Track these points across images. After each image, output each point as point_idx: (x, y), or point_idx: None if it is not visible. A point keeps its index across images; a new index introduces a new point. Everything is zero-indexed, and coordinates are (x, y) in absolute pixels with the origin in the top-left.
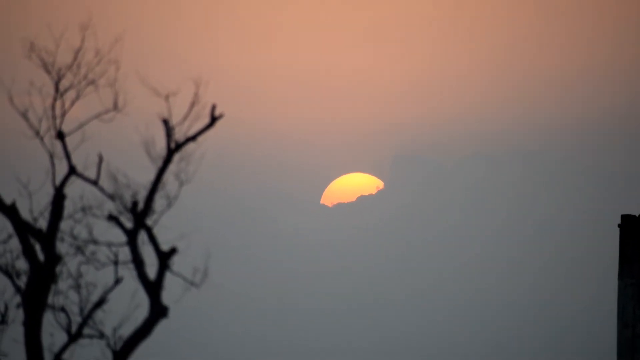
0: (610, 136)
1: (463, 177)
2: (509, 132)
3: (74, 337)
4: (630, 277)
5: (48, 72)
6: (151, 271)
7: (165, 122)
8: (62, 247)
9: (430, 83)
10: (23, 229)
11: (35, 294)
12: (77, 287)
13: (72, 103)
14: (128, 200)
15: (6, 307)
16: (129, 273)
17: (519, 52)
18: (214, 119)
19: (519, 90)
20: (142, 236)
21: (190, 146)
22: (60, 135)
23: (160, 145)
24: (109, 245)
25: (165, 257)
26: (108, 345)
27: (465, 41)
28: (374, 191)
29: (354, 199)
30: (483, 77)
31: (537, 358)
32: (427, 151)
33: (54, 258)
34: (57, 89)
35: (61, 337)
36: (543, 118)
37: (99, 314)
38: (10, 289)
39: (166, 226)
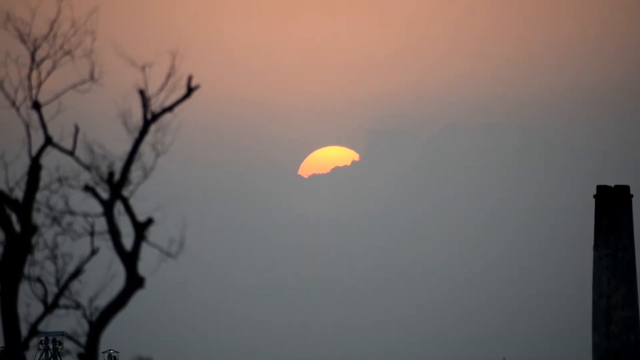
0: (587, 109)
1: (436, 149)
2: (483, 105)
3: (50, 308)
4: (605, 248)
5: (24, 42)
6: (127, 242)
7: (142, 93)
8: (38, 218)
9: (404, 57)
10: None
11: (11, 265)
12: (53, 257)
13: (48, 73)
14: (104, 171)
15: None
16: (105, 244)
17: (494, 24)
18: (190, 90)
19: (494, 63)
20: (119, 207)
21: (167, 117)
22: (36, 106)
23: (137, 116)
24: (85, 215)
25: (141, 228)
26: (84, 315)
27: (438, 15)
28: (348, 163)
29: (328, 170)
30: (456, 51)
31: (512, 328)
32: (401, 124)
33: (30, 228)
34: (33, 60)
35: (37, 308)
36: (518, 91)
37: (75, 285)
38: None
39: (142, 197)
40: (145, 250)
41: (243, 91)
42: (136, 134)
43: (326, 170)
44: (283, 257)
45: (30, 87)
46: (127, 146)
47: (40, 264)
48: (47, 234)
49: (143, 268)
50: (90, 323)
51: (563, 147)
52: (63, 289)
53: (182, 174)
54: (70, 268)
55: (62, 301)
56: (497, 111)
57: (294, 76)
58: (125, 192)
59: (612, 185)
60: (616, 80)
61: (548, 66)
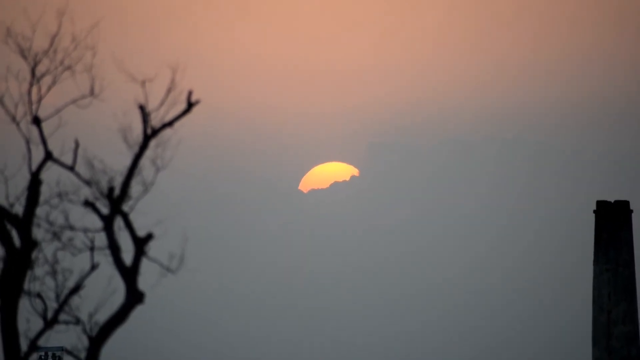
0: (586, 123)
1: (438, 162)
2: (484, 116)
3: (50, 323)
4: (605, 263)
5: (24, 57)
6: (127, 257)
7: (142, 108)
8: (38, 233)
9: (405, 68)
10: None
11: (11, 280)
12: (53, 273)
13: (49, 88)
14: (104, 186)
15: None
16: (105, 259)
17: (494, 37)
18: (190, 105)
19: (496, 75)
20: (119, 222)
21: (167, 132)
22: (37, 121)
23: (137, 131)
24: (85, 231)
25: (141, 243)
26: (84, 331)
27: (442, 25)
28: (347, 178)
29: (327, 186)
30: (460, 62)
31: (510, 342)
32: (403, 137)
33: (30, 244)
34: (33, 75)
35: (37, 323)
36: (521, 104)
37: (75, 300)
38: None
39: (142, 212)
40: (145, 265)
41: (243, 107)
42: (136, 149)
43: (325, 185)
44: (284, 273)
45: (30, 102)
46: (127, 161)
47: (40, 280)
48: (47, 249)
49: (143, 283)
50: (90, 338)
51: (563, 161)
52: (63, 304)
53: (182, 189)
54: (70, 283)
55: (62, 316)
56: (500, 124)
57: (294, 92)
58: (125, 207)
59: (612, 201)
60: (618, 92)
61: (549, 79)
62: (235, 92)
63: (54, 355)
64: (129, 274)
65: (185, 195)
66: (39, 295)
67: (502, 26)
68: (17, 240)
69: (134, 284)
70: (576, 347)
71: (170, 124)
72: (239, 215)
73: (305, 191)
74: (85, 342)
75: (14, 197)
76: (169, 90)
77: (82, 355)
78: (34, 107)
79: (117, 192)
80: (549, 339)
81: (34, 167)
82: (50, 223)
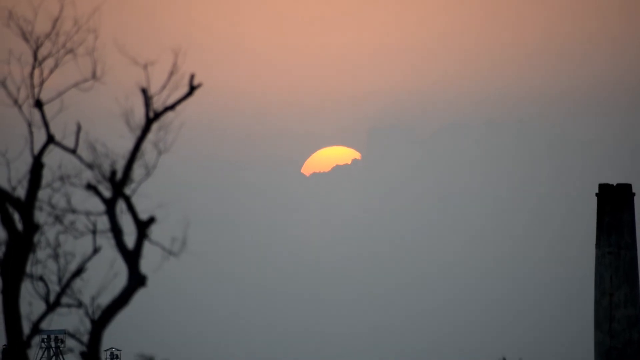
0: (588, 107)
1: (438, 147)
2: (485, 102)
3: (52, 306)
4: (607, 246)
5: (26, 40)
6: (130, 240)
7: (144, 91)
8: (40, 216)
9: (405, 53)
10: (1, 197)
11: (14, 263)
12: (56, 256)
13: (51, 72)
14: (106, 169)
15: None
16: (107, 242)
17: (495, 22)
18: (192, 88)
19: (495, 61)
20: (121, 205)
21: (169, 115)
22: (39, 104)
23: (139, 115)
24: (88, 214)
25: (143, 226)
26: (86, 314)
27: (440, 12)
28: (349, 161)
29: (329, 169)
30: (459, 48)
31: (513, 326)
32: (403, 122)
33: (32, 227)
34: (35, 58)
35: (39, 306)
36: (520, 88)
37: (77, 283)
38: None
39: (145, 195)
40: (148, 248)
41: (246, 91)
42: (138, 132)
43: (327, 168)
44: (285, 256)
45: (32, 86)
46: (129, 144)
47: (42, 263)
48: (49, 232)
49: (145, 266)
50: (92, 321)
51: (565, 145)
52: (65, 287)
53: (184, 173)
54: (72, 266)
55: (64, 299)
56: (500, 108)
57: (296, 75)
58: (127, 191)
59: (615, 184)
60: (619, 77)
61: (550, 63)
62: (238, 76)
63: (56, 338)
64: (131, 257)
65: (187, 179)
66: (41, 279)
67: (502, 12)
68: (19, 224)
69: (136, 267)
70: (578, 329)
71: (172, 107)
72: (241, 198)
73: (307, 174)
74: (87, 325)
75: (16, 181)
76: (171, 74)
77: (84, 338)
78: (36, 90)
79: (119, 175)
80: (551, 322)
81: (36, 150)
82: (53, 206)
